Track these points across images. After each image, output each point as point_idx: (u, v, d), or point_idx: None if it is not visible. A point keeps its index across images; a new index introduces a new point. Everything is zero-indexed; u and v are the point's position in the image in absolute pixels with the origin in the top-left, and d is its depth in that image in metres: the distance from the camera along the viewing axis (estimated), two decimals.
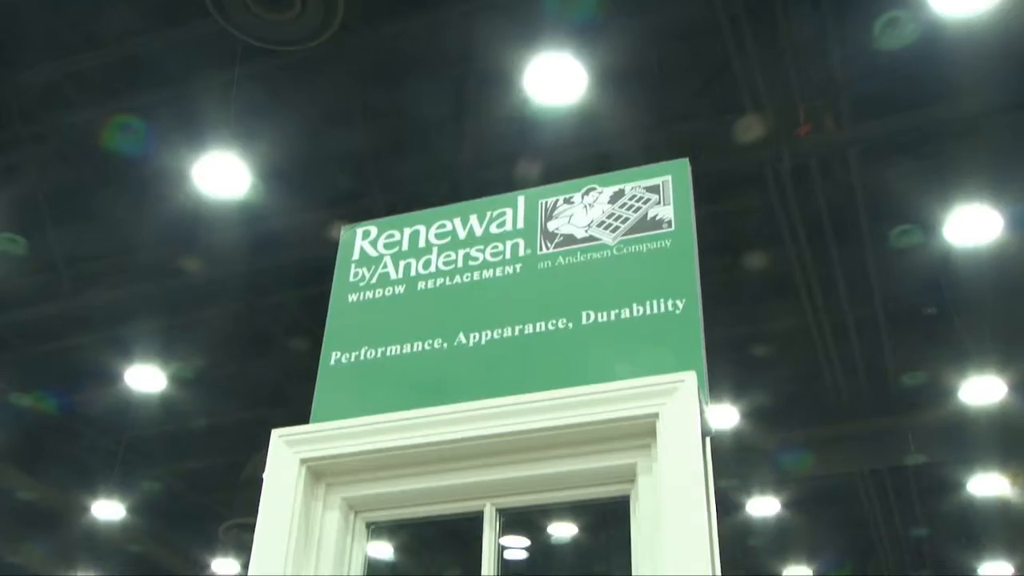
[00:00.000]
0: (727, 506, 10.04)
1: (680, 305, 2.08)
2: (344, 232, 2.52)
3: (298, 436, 2.14)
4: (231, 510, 10.57)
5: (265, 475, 2.11)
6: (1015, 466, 9.26)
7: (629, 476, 1.96)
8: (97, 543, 12.01)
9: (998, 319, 7.38)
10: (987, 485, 9.50)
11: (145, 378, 8.47)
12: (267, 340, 8.24)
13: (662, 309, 2.09)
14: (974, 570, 11.98)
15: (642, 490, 1.92)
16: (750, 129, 6.14)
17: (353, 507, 2.16)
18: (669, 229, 2.20)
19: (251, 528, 2.08)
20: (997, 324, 7.43)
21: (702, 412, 1.91)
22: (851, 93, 6.03)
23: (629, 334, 2.08)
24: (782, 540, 11.66)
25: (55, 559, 12.96)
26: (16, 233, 7.21)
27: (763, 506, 10.49)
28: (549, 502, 2.07)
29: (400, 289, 2.36)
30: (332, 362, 2.29)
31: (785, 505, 10.55)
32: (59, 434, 9.72)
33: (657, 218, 2.23)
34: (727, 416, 8.42)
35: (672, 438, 1.86)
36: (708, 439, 1.92)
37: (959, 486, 9.79)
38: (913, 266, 7.04)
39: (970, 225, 6.32)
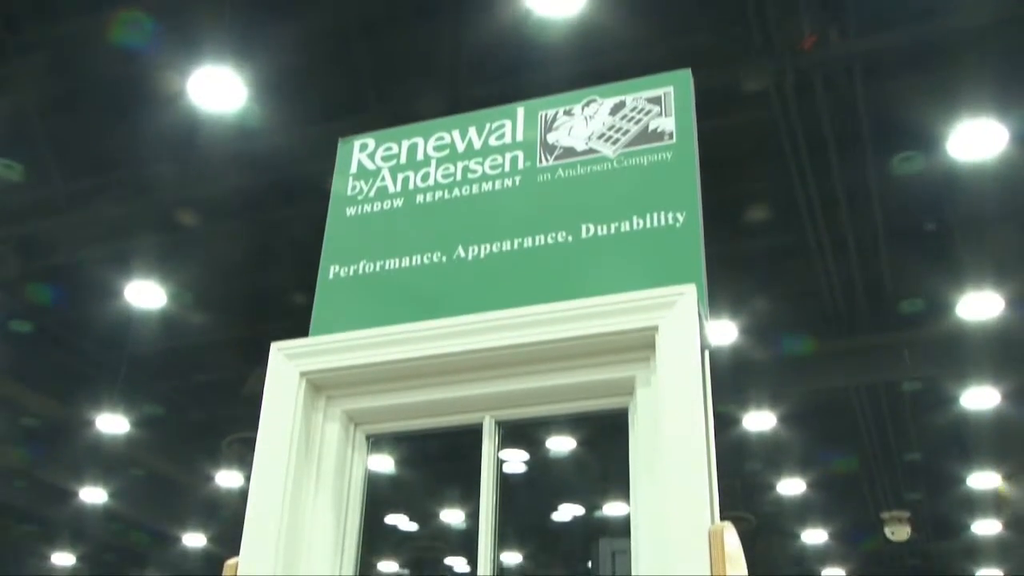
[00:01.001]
0: (723, 421, 10.17)
1: (680, 218, 2.07)
2: (341, 145, 2.49)
3: (298, 349, 2.15)
4: (234, 425, 10.71)
5: (265, 388, 2.12)
6: (1010, 381, 9.35)
7: (628, 389, 1.97)
8: (102, 457, 12.20)
9: (999, 235, 7.36)
10: (981, 400, 9.61)
11: (145, 294, 8.48)
12: (267, 256, 8.23)
13: (662, 222, 2.07)
14: (965, 482, 12.20)
15: (640, 403, 1.94)
16: (753, 42, 6.03)
17: (353, 419, 2.17)
18: (670, 141, 2.17)
19: (254, 442, 2.10)
20: (998, 240, 7.41)
21: (702, 325, 1.91)
22: (856, 5, 5.90)
23: (629, 247, 2.07)
24: (777, 454, 11.84)
25: (62, 472, 13.19)
26: (10, 146, 7.14)
27: (759, 421, 10.63)
28: (548, 414, 2.08)
29: (398, 203, 2.34)
30: (331, 276, 2.29)
31: (781, 420, 10.69)
32: (60, 350, 9.78)
33: (658, 130, 2.20)
34: (725, 332, 8.46)
35: (671, 351, 1.86)
36: (707, 353, 1.93)
37: (953, 401, 9.90)
38: (915, 182, 6.99)
39: (975, 140, 6.26)
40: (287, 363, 2.13)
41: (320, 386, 2.14)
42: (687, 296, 1.90)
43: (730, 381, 8.99)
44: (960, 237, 7.44)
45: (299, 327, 2.27)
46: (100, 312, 8.93)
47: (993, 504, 12.96)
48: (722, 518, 1.77)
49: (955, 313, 8.04)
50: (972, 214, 7.21)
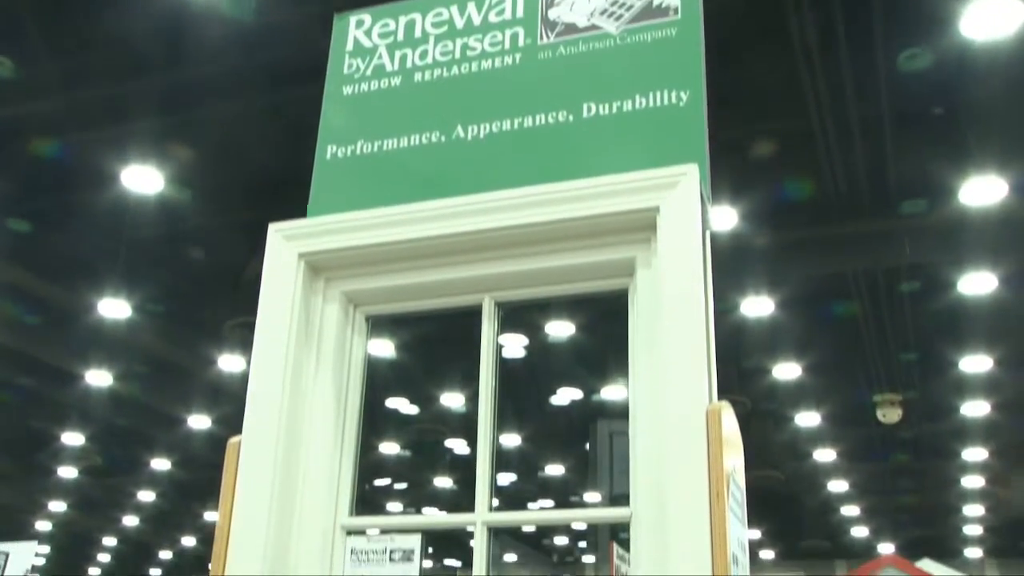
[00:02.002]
0: (721, 306, 10.22)
1: (684, 97, 2.02)
2: (337, 21, 2.42)
3: (296, 230, 2.13)
4: (235, 309, 10.78)
5: (264, 270, 2.11)
6: (1008, 266, 9.37)
7: (628, 270, 1.97)
8: (105, 341, 12.32)
9: (1007, 118, 7.25)
10: (978, 285, 9.65)
11: (142, 178, 8.41)
12: (266, 138, 8.12)
13: (665, 101, 2.03)
14: (958, 366, 12.37)
15: (640, 284, 1.93)
16: None
17: (353, 301, 2.17)
18: (675, 17, 2.11)
19: (255, 326, 2.10)
20: (1005, 123, 7.30)
21: (703, 206, 1.89)
22: None
23: (631, 126, 2.03)
24: (774, 339, 11.96)
25: (67, 356, 13.35)
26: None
27: (757, 307, 10.70)
28: (548, 296, 2.08)
29: (396, 81, 2.29)
30: (328, 156, 2.25)
31: (779, 305, 10.76)
32: (60, 234, 9.76)
33: (663, 5, 2.13)
34: (726, 217, 8.42)
35: (672, 232, 1.84)
36: (708, 234, 1.91)
37: (950, 286, 9.95)
38: (924, 67, 6.85)
39: (987, 19, 6.08)
40: (285, 244, 2.11)
41: (319, 267, 2.13)
42: (689, 176, 1.87)
43: (729, 267, 9.00)
44: (966, 121, 7.33)
45: (300, 210, 2.25)
46: (97, 198, 8.88)
47: (983, 387, 13.17)
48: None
49: (957, 199, 7.99)
50: (980, 96, 7.09)
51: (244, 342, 11.39)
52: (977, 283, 9.51)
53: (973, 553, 25.92)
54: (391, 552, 1.94)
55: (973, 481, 18.77)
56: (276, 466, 1.92)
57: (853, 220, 8.61)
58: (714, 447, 1.68)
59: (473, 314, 2.09)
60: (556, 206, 1.94)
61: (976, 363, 12.21)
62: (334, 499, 2.00)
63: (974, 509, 21.45)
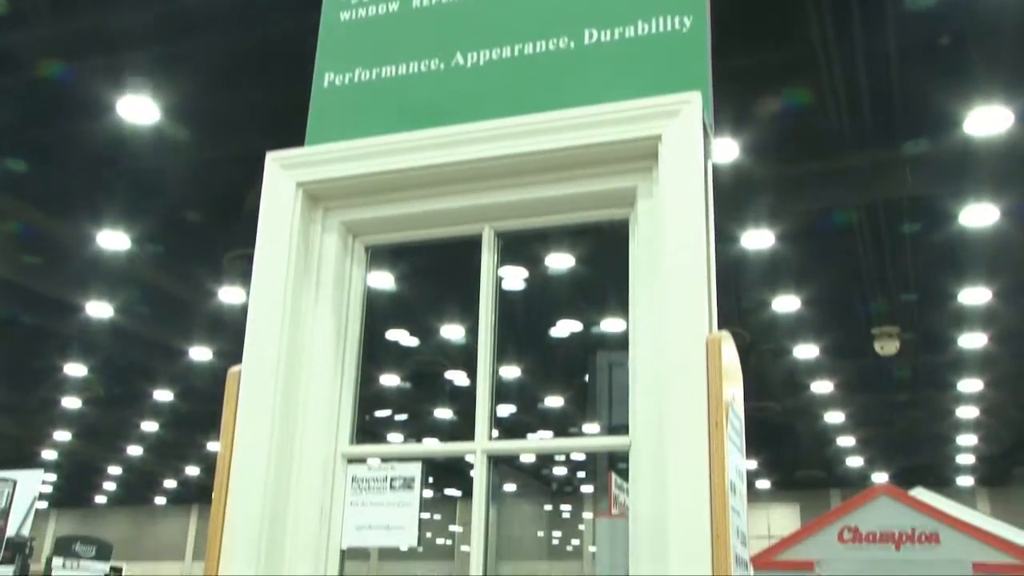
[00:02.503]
0: (722, 239, 10.18)
1: (687, 23, 1.98)
2: None
3: (294, 159, 2.10)
4: (235, 241, 10.76)
5: (262, 199, 2.10)
6: (1010, 198, 9.32)
7: (629, 200, 1.95)
8: (104, 272, 12.33)
9: (1015, 46, 7.13)
10: (979, 217, 9.61)
11: (138, 109, 8.31)
12: (264, 67, 8.01)
13: (668, 27, 1.99)
14: (956, 298, 12.39)
15: (642, 213, 1.91)
16: None
17: (352, 230, 2.16)
18: None
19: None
20: (1013, 52, 7.19)
21: (706, 135, 1.86)
22: None
23: (633, 53, 1.99)
24: (774, 272, 11.97)
25: (67, 288, 13.37)
26: None
27: (757, 239, 10.68)
28: (548, 225, 2.06)
29: (394, 6, 2.24)
30: (325, 84, 2.22)
31: (779, 238, 10.74)
32: (56, 166, 9.69)
33: None
34: (727, 150, 8.35)
35: (674, 160, 1.82)
36: (710, 164, 1.89)
37: (951, 218, 9.91)
38: None
39: None
40: (283, 174, 2.09)
41: (317, 197, 2.11)
42: (692, 104, 1.84)
43: (730, 199, 8.96)
44: (973, 50, 7.22)
45: (299, 140, 2.22)
46: (93, 129, 8.79)
47: (981, 319, 13.21)
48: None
49: (962, 129, 7.91)
50: (988, 25, 6.97)
51: (244, 274, 11.39)
52: (979, 215, 9.48)
53: (965, 482, 26.32)
54: (392, 480, 1.96)
55: (967, 412, 18.96)
56: (276, 395, 1.93)
57: (856, 152, 8.55)
58: (713, 376, 1.68)
59: (473, 245, 2.08)
60: (556, 134, 1.91)
61: (975, 295, 12.23)
62: (334, 428, 2.01)
63: (967, 439, 21.72)
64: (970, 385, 16.83)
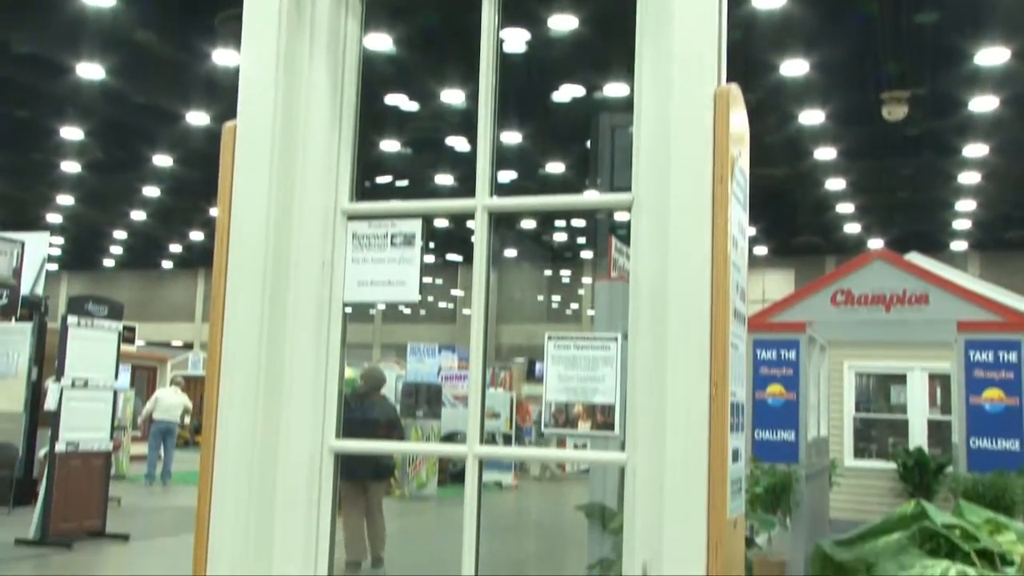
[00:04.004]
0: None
1: None
2: None
3: None
4: (226, 0, 10.36)
5: None
6: None
7: None
8: (91, 31, 11.95)
9: None
10: None
11: None
12: None
13: None
14: (973, 57, 12.07)
15: None
16: None
17: None
18: None
19: None
20: None
21: None
22: None
23: None
24: (785, 32, 11.59)
25: (58, 44, 13.01)
26: None
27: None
28: None
29: None
30: None
31: None
32: None
33: None
34: None
35: None
36: None
37: None
38: None
39: None
40: None
41: None
42: None
43: None
44: None
45: None
46: None
47: (995, 81, 12.93)
48: None
49: None
50: None
51: (237, 35, 11.05)
52: None
53: (959, 247, 26.73)
54: (392, 237, 1.96)
55: (969, 177, 18.97)
56: (273, 148, 1.89)
57: None
58: (720, 129, 1.64)
59: (473, 3, 1.96)
60: None
61: (992, 55, 11.90)
62: (333, 184, 1.98)
63: (965, 204, 21.86)
64: (975, 150, 16.73)
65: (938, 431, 11.83)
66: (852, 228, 24.89)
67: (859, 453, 12.08)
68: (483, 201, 1.89)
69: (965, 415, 7.35)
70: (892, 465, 11.70)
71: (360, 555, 7.71)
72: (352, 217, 1.98)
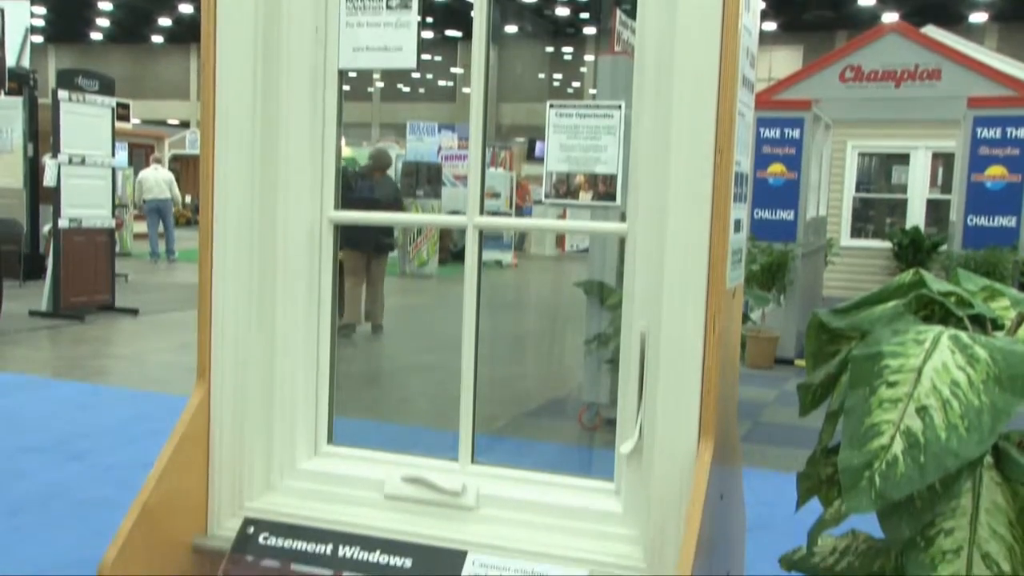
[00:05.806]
0: None
1: None
2: None
3: None
4: None
5: None
6: None
7: None
8: None
9: None
10: None
11: None
12: None
13: None
14: None
15: None
16: None
17: None
18: None
19: None
20: None
21: None
22: None
23: None
24: None
25: None
26: None
27: None
28: None
29: None
30: None
31: None
32: None
33: None
34: None
35: None
36: None
37: None
38: None
39: None
40: None
41: None
42: None
43: None
44: None
45: None
46: None
47: None
48: None
49: None
50: None
51: None
52: None
53: (978, 18, 25.81)
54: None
55: None
56: None
57: None
58: None
59: None
60: None
61: None
62: None
63: None
64: None
65: (936, 211, 11.89)
66: (866, 0, 23.96)
67: (856, 233, 12.20)
68: None
69: (965, 192, 7.34)
70: (888, 244, 11.85)
71: (355, 318, 8.22)
72: None
